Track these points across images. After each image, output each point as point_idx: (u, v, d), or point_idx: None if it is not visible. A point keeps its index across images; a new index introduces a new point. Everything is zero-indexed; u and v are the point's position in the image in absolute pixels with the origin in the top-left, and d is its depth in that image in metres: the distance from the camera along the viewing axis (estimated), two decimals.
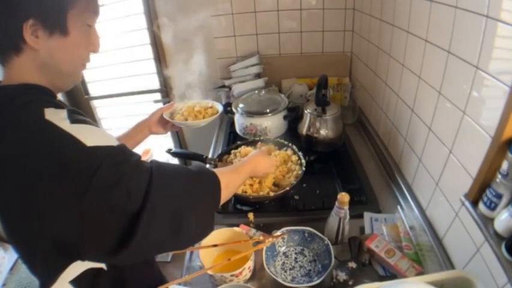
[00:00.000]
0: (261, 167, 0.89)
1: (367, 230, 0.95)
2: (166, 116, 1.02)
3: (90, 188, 0.48)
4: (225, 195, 0.68)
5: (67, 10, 0.54)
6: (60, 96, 2.05)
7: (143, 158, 1.94)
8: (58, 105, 0.55)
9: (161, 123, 1.03)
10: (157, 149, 2.04)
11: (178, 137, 2.07)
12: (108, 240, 0.51)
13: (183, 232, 0.57)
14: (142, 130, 1.01)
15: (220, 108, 1.10)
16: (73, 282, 0.55)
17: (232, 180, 0.72)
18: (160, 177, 0.55)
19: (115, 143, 0.54)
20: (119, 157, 0.52)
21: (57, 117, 0.50)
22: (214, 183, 0.65)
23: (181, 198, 0.57)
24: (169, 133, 2.08)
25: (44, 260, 0.54)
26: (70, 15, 0.55)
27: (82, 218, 0.48)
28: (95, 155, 0.49)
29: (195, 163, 1.22)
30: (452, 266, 0.80)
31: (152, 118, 1.02)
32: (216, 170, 0.68)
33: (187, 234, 0.59)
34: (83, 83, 1.91)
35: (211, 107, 1.11)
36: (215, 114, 1.08)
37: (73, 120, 0.51)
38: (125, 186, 0.50)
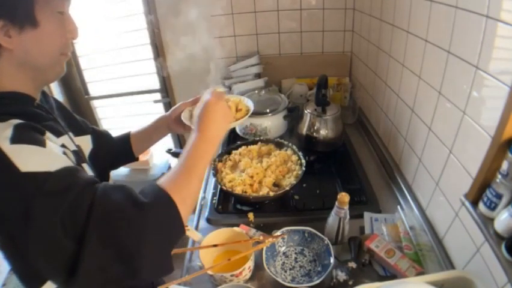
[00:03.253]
0: (215, 127, 0.68)
1: (367, 230, 0.95)
2: (184, 118, 0.84)
3: (26, 221, 0.44)
4: (186, 213, 0.55)
5: (33, 2, 0.52)
6: (60, 98, 2.03)
7: (143, 158, 1.93)
8: (26, 114, 0.53)
9: (182, 121, 0.86)
10: (157, 148, 2.04)
11: (178, 136, 2.07)
12: (57, 273, 0.48)
13: (135, 273, 0.48)
14: (161, 127, 0.92)
15: (251, 106, 0.89)
16: None
17: (189, 190, 0.58)
18: (100, 214, 0.47)
19: (54, 167, 0.47)
20: (56, 185, 0.46)
21: (0, 136, 0.46)
22: (171, 211, 0.53)
23: (128, 237, 0.48)
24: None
25: (23, 275, 0.54)
26: (37, 5, 0.53)
27: (26, 245, 0.46)
28: (28, 183, 0.45)
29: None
30: (452, 266, 0.79)
31: (172, 114, 0.89)
32: (168, 184, 0.55)
33: (140, 275, 0.49)
34: (83, 83, 1.91)
35: (239, 110, 0.86)
36: (243, 117, 0.84)
37: (15, 140, 0.47)
38: (61, 221, 0.45)
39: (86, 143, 0.79)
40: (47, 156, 0.49)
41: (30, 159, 0.46)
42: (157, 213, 0.51)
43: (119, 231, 0.48)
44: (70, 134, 0.70)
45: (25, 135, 0.48)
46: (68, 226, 0.45)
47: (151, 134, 0.93)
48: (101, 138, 0.86)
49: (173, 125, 0.90)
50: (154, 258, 0.50)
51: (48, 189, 0.45)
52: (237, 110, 0.86)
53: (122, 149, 0.91)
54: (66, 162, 0.51)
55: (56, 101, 0.77)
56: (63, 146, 0.58)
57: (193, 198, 0.59)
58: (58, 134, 0.60)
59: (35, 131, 0.51)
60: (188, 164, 0.61)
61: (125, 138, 0.92)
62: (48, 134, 0.54)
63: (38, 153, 0.48)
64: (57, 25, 0.57)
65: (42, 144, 0.49)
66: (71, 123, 0.76)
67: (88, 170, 0.65)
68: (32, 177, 0.45)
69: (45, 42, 0.56)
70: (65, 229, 0.45)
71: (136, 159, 0.96)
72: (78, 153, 0.64)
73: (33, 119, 0.55)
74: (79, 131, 0.78)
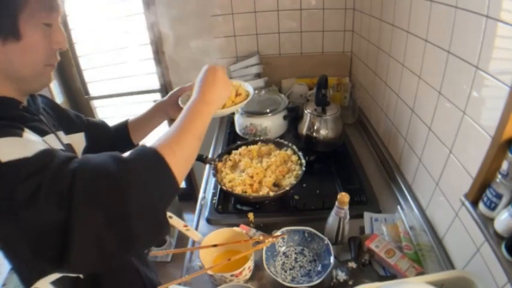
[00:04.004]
0: (213, 95, 0.67)
1: (367, 230, 0.95)
2: (182, 102, 0.84)
3: (12, 208, 0.45)
4: (180, 168, 0.53)
5: (17, 14, 0.52)
6: (61, 98, 2.04)
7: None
8: (12, 117, 0.53)
9: (180, 106, 0.84)
10: None
11: None
12: (49, 255, 0.47)
13: (132, 238, 0.47)
14: (158, 113, 0.91)
15: (250, 91, 0.87)
16: (53, 283, 0.55)
17: (180, 143, 0.56)
18: (84, 179, 0.46)
19: (31, 152, 0.47)
20: (35, 166, 0.46)
21: None
22: (158, 164, 0.51)
23: (117, 199, 0.46)
24: None
25: (20, 267, 0.54)
26: (22, 18, 0.52)
27: (18, 234, 0.46)
28: (9, 171, 0.45)
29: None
30: (452, 266, 0.80)
31: (170, 99, 0.88)
32: (158, 142, 0.54)
33: (137, 240, 0.48)
34: (83, 83, 1.91)
35: (239, 94, 0.85)
36: (243, 101, 0.83)
37: None
38: (45, 196, 0.45)
39: (79, 140, 0.78)
40: (24, 143, 0.49)
41: (8, 149, 0.47)
42: (142, 167, 0.49)
43: (104, 192, 0.46)
44: (60, 133, 0.70)
45: (1, 131, 0.49)
46: (54, 199, 0.45)
47: (149, 120, 0.93)
48: (96, 130, 0.86)
49: (170, 110, 0.89)
50: (145, 217, 0.48)
51: (27, 172, 0.46)
52: (237, 95, 0.84)
53: (121, 138, 0.91)
54: (44, 145, 0.50)
55: (46, 99, 0.77)
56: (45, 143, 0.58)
57: (187, 153, 0.56)
58: (43, 133, 0.60)
59: (12, 127, 0.51)
60: (183, 123, 0.59)
61: (123, 127, 0.92)
62: (27, 130, 0.53)
63: (14, 143, 0.48)
64: (41, 37, 0.56)
65: (18, 134, 0.50)
66: (62, 121, 0.76)
67: None
68: (12, 165, 0.45)
69: (28, 54, 0.56)
70: (52, 203, 0.45)
71: (136, 146, 0.95)
72: (65, 151, 0.63)
73: (16, 120, 0.55)
74: (72, 128, 0.78)
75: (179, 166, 0.53)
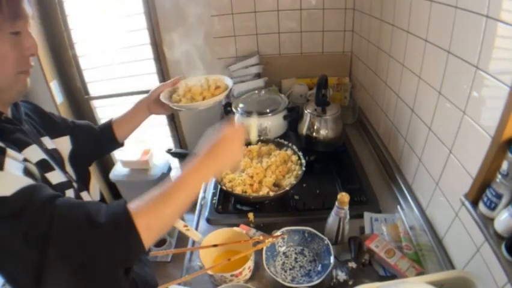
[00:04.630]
0: (217, 165, 0.63)
1: (367, 230, 0.95)
2: (163, 97, 0.87)
3: None
4: (151, 237, 0.53)
5: None
6: (61, 98, 2.03)
7: (143, 159, 1.93)
8: None
9: (162, 102, 0.89)
10: (157, 149, 2.04)
11: (178, 137, 2.07)
12: (24, 283, 0.49)
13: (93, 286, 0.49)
14: (141, 110, 0.93)
15: (229, 83, 0.92)
16: None
17: (159, 216, 0.54)
18: (57, 230, 0.48)
19: (11, 191, 0.48)
20: (12, 207, 0.47)
21: None
22: (128, 236, 0.51)
23: (82, 254, 0.48)
24: (169, 133, 2.08)
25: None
26: None
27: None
28: None
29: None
30: (452, 266, 0.80)
31: (151, 96, 0.91)
32: (136, 204, 0.53)
33: None
34: (83, 83, 1.91)
35: (218, 87, 0.92)
36: (220, 94, 0.88)
37: None
38: (21, 239, 0.46)
39: (65, 143, 0.78)
40: (4, 179, 0.49)
41: None
42: (111, 235, 0.50)
43: (74, 249, 0.48)
44: (45, 138, 0.70)
45: None
46: (31, 242, 0.46)
47: (132, 117, 0.94)
48: (82, 133, 0.86)
49: (153, 107, 0.92)
50: (105, 278, 0.50)
51: (5, 213, 0.46)
52: (216, 88, 0.91)
53: (106, 138, 0.92)
54: (24, 182, 0.50)
55: (30, 105, 0.77)
56: (25, 160, 0.57)
57: (163, 225, 0.56)
58: (24, 145, 0.60)
59: None
60: (169, 192, 0.57)
61: (107, 127, 0.93)
62: (9, 152, 0.53)
63: None
64: (10, 47, 0.56)
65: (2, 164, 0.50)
66: (47, 125, 0.76)
67: (60, 174, 0.65)
68: None
69: None
70: (29, 246, 0.46)
71: (122, 144, 0.96)
72: (45, 162, 0.63)
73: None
74: (57, 132, 0.78)
75: (151, 237, 0.53)
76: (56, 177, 0.64)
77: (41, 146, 0.67)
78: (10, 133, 0.59)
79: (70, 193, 0.66)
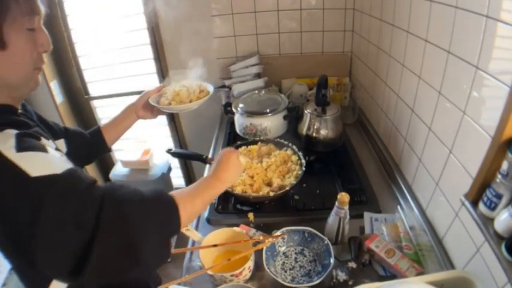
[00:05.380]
0: (226, 174, 0.77)
1: (367, 230, 0.95)
2: (152, 101, 0.97)
3: (37, 222, 0.47)
4: (185, 220, 0.62)
5: (0, 24, 0.52)
6: (61, 98, 2.03)
7: (143, 159, 1.95)
8: (14, 123, 0.55)
9: (149, 107, 0.98)
10: (157, 149, 2.04)
11: (178, 137, 2.07)
12: (63, 267, 0.50)
13: (138, 262, 0.54)
14: (129, 115, 0.98)
15: (211, 89, 1.04)
16: None
17: (192, 203, 0.65)
18: (111, 206, 0.52)
19: (60, 170, 0.51)
20: (64, 185, 0.50)
21: (5, 146, 0.49)
22: (171, 209, 0.60)
23: (135, 228, 0.53)
24: (169, 133, 2.08)
25: (26, 276, 0.56)
26: (5, 27, 0.52)
27: (33, 248, 0.48)
28: (39, 186, 0.48)
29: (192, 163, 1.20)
30: (452, 266, 0.80)
31: (138, 102, 0.98)
32: (175, 194, 0.63)
33: (143, 264, 0.54)
34: (83, 83, 1.92)
35: (201, 91, 1.03)
36: (205, 97, 1.01)
37: (20, 148, 0.50)
38: (72, 217, 0.49)
39: (61, 146, 0.81)
40: (51, 160, 0.53)
41: (38, 164, 0.50)
42: (159, 208, 0.58)
43: (126, 222, 0.53)
44: (50, 140, 0.72)
45: (27, 143, 0.52)
46: (81, 221, 0.49)
47: (121, 122, 0.98)
48: (74, 138, 0.88)
49: (140, 112, 0.98)
50: (153, 247, 0.56)
51: (58, 190, 0.49)
52: (201, 91, 1.02)
53: (96, 143, 0.95)
54: (68, 164, 0.54)
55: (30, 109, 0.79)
56: (57, 149, 0.60)
57: (194, 211, 0.66)
58: (46, 138, 0.61)
59: (33, 137, 0.54)
60: (197, 188, 0.70)
61: (97, 132, 0.95)
62: (43, 139, 0.56)
63: (43, 159, 0.52)
64: (26, 43, 0.57)
65: (44, 150, 0.53)
66: (46, 128, 0.77)
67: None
68: (42, 180, 0.48)
69: (16, 61, 0.56)
70: (77, 224, 0.49)
71: (109, 150, 1.00)
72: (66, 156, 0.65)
73: (23, 126, 0.56)
74: (54, 135, 0.79)
75: (185, 218, 0.62)
76: None
77: (54, 142, 0.68)
78: (31, 127, 0.60)
79: None
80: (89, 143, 0.93)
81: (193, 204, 0.65)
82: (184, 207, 0.61)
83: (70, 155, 0.80)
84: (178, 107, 0.97)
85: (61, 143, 0.82)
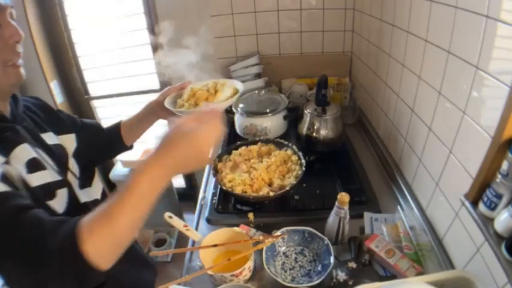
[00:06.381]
0: (176, 163, 0.51)
1: (367, 230, 0.95)
2: (167, 103, 0.82)
3: None
4: (103, 261, 0.47)
5: None
6: (61, 98, 2.03)
7: (143, 158, 1.94)
8: None
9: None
10: None
11: None
12: None
13: None
14: (148, 115, 0.90)
15: (240, 88, 0.88)
16: None
17: (112, 230, 0.47)
18: (18, 242, 0.46)
19: None
20: None
21: None
22: (70, 263, 0.45)
23: (36, 276, 0.46)
24: None
25: None
26: None
27: None
28: None
29: None
30: (452, 266, 0.80)
31: (159, 100, 0.87)
32: (88, 222, 0.47)
33: None
34: (83, 83, 1.92)
35: (217, 91, 0.87)
36: (230, 99, 0.84)
37: None
38: None
39: (70, 141, 0.78)
40: None
41: None
42: (58, 264, 0.45)
43: (27, 270, 0.46)
44: (47, 134, 0.71)
45: None
46: None
47: (140, 122, 0.92)
48: (88, 132, 0.86)
49: (160, 112, 0.88)
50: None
51: None
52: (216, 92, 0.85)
53: (113, 139, 0.91)
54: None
55: (37, 100, 0.78)
56: (6, 162, 0.56)
57: (116, 246, 0.49)
58: (12, 144, 0.59)
59: None
60: (114, 207, 0.48)
61: (116, 128, 0.92)
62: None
63: None
64: None
65: None
66: (53, 121, 0.76)
67: (52, 174, 0.65)
68: None
69: None
70: None
71: (130, 147, 0.95)
72: (35, 161, 0.62)
73: None
74: (63, 129, 0.78)
75: (105, 260, 0.47)
76: (45, 176, 0.63)
77: (38, 142, 0.67)
78: (0, 131, 0.59)
79: (62, 192, 0.66)
80: (103, 137, 0.90)
81: (112, 232, 0.47)
82: (97, 251, 0.46)
83: (81, 150, 0.79)
84: (192, 111, 0.79)
85: (71, 137, 0.79)
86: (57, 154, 0.70)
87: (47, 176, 0.63)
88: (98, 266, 0.46)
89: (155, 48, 1.74)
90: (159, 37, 1.55)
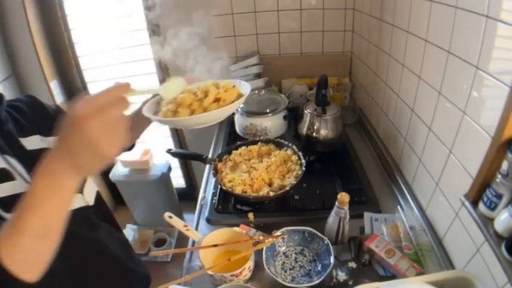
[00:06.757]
0: (79, 151, 0.42)
1: (367, 230, 0.95)
2: (146, 111, 0.69)
3: None
4: (22, 273, 0.42)
5: None
6: (61, 98, 2.03)
7: (143, 159, 1.94)
8: None
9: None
10: (157, 149, 2.04)
11: (178, 136, 2.07)
12: None
13: None
14: (142, 116, 0.73)
15: (247, 90, 0.71)
16: None
17: (18, 247, 0.42)
18: None
19: None
20: None
21: None
22: None
23: None
24: (169, 133, 2.08)
25: None
26: None
27: None
28: None
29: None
30: (452, 266, 0.80)
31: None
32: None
33: None
34: (83, 83, 1.92)
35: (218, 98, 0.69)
36: (234, 103, 0.68)
37: None
38: None
39: None
40: None
41: None
42: None
43: None
44: (29, 138, 0.67)
45: None
46: None
47: (136, 122, 0.83)
48: None
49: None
50: None
51: None
52: (216, 100, 0.68)
53: None
54: None
55: (30, 99, 0.74)
56: None
57: (33, 260, 0.43)
58: None
59: None
60: (18, 210, 0.42)
61: None
62: None
63: None
64: None
65: None
66: (43, 122, 0.72)
67: (21, 184, 0.60)
68: None
69: None
70: None
71: (130, 148, 0.92)
72: (2, 172, 0.58)
73: None
74: (52, 129, 0.71)
75: (22, 265, 0.42)
76: (13, 187, 0.58)
77: (13, 150, 0.63)
78: None
79: None
80: None
81: (20, 247, 0.42)
82: (17, 262, 0.41)
83: None
84: (175, 120, 0.66)
85: None
86: (35, 162, 0.67)
87: (15, 187, 0.58)
88: (19, 276, 0.42)
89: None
90: (158, 31, 1.55)
